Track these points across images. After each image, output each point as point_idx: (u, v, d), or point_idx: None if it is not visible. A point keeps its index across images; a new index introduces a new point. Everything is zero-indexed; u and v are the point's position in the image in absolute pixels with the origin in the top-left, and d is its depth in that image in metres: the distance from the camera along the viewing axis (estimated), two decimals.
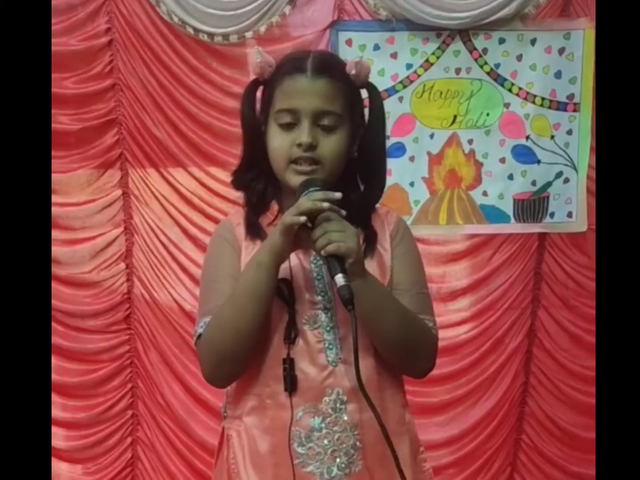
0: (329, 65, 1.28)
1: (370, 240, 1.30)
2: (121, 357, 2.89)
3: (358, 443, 1.26)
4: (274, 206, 1.33)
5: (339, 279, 1.15)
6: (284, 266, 1.24)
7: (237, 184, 1.36)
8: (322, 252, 1.17)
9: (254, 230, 1.30)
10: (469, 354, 2.92)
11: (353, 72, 1.28)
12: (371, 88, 1.33)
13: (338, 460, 1.25)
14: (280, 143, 1.26)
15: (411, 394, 2.68)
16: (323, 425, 1.25)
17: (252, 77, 1.33)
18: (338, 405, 1.25)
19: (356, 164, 1.32)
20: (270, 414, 1.27)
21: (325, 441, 1.25)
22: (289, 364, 1.24)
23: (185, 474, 2.90)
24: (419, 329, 1.28)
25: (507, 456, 2.98)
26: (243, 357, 1.24)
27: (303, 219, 1.15)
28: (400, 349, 1.26)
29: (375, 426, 1.24)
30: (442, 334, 2.89)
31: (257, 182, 1.32)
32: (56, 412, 2.81)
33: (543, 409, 2.97)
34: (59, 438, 2.84)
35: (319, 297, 1.26)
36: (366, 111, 1.33)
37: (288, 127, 1.26)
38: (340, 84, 1.27)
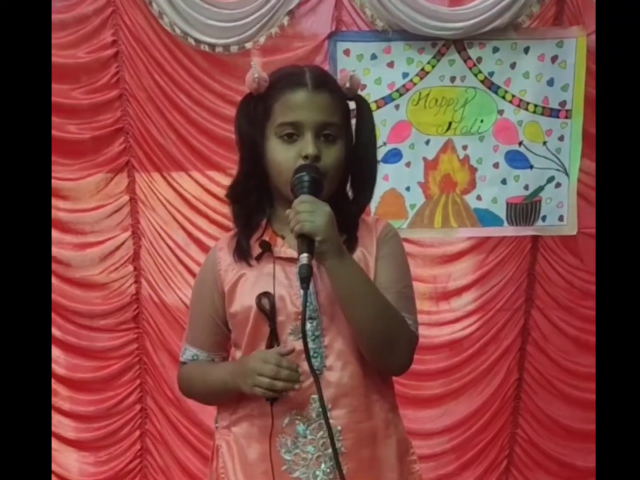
0: (326, 79, 1.33)
1: (350, 246, 1.32)
2: (130, 355, 3.01)
3: (343, 448, 1.29)
4: (263, 220, 1.36)
5: (302, 258, 1.19)
6: (268, 280, 1.29)
7: (233, 195, 1.38)
8: (293, 234, 1.21)
9: (240, 253, 1.34)
10: (463, 350, 3.01)
11: (347, 85, 1.33)
12: (360, 99, 1.37)
13: (323, 465, 1.29)
14: (284, 156, 1.28)
15: (406, 387, 2.82)
16: (308, 431, 1.29)
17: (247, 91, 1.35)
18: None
19: (348, 173, 1.36)
20: (257, 422, 1.32)
21: (310, 447, 1.29)
22: None
23: (194, 462, 3.02)
24: (398, 321, 1.29)
25: (502, 449, 3.07)
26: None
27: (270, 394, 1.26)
28: (378, 338, 1.27)
29: (360, 431, 1.32)
30: (438, 331, 3.03)
31: (252, 194, 1.35)
32: (68, 406, 2.96)
33: (537, 404, 3.05)
34: (70, 430, 2.98)
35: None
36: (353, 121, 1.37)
37: (290, 140, 1.28)
38: (338, 97, 1.32)
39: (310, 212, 1.20)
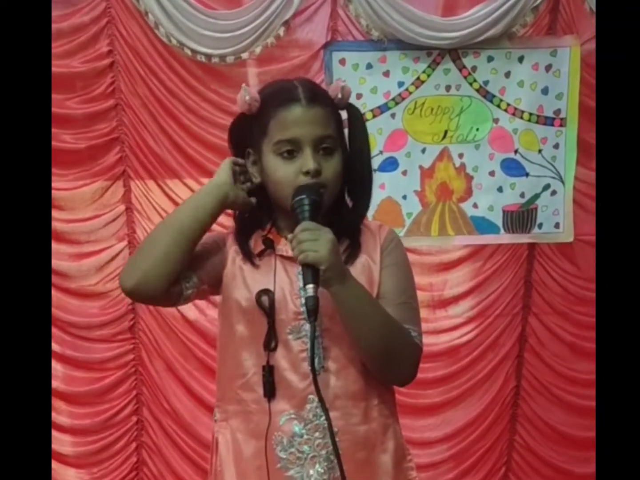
0: (319, 92, 1.34)
1: (354, 252, 1.33)
2: (126, 365, 2.98)
3: (338, 450, 1.26)
4: (268, 224, 1.37)
5: (308, 289, 1.20)
6: (269, 278, 1.29)
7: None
8: (298, 263, 1.22)
9: (244, 249, 1.35)
10: (461, 358, 3.02)
11: (339, 96, 1.34)
12: (352, 108, 1.38)
13: (317, 465, 1.28)
14: (285, 173, 1.29)
15: (405, 395, 2.82)
16: (304, 431, 1.29)
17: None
18: (319, 412, 1.27)
19: (345, 181, 1.36)
20: (255, 418, 1.31)
21: (306, 447, 1.29)
22: (268, 371, 1.29)
23: (191, 474, 3.00)
24: (402, 337, 1.29)
25: (501, 456, 3.07)
26: (156, 267, 1.27)
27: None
28: (382, 355, 1.28)
29: (356, 434, 1.31)
30: (436, 339, 3.03)
31: (254, 208, 1.37)
32: (63, 419, 2.93)
33: (535, 411, 3.06)
34: (65, 444, 2.94)
35: (303, 308, 1.27)
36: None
37: (289, 156, 1.29)
38: (331, 109, 1.33)
39: (313, 241, 1.20)
